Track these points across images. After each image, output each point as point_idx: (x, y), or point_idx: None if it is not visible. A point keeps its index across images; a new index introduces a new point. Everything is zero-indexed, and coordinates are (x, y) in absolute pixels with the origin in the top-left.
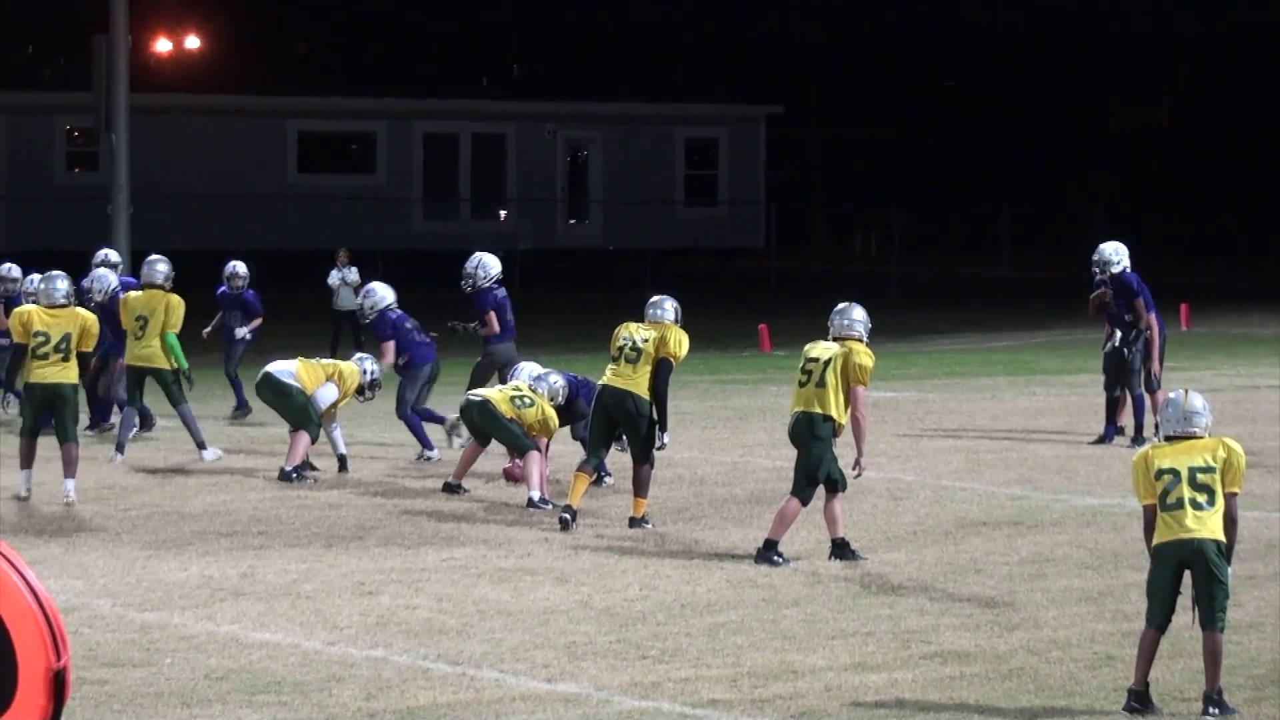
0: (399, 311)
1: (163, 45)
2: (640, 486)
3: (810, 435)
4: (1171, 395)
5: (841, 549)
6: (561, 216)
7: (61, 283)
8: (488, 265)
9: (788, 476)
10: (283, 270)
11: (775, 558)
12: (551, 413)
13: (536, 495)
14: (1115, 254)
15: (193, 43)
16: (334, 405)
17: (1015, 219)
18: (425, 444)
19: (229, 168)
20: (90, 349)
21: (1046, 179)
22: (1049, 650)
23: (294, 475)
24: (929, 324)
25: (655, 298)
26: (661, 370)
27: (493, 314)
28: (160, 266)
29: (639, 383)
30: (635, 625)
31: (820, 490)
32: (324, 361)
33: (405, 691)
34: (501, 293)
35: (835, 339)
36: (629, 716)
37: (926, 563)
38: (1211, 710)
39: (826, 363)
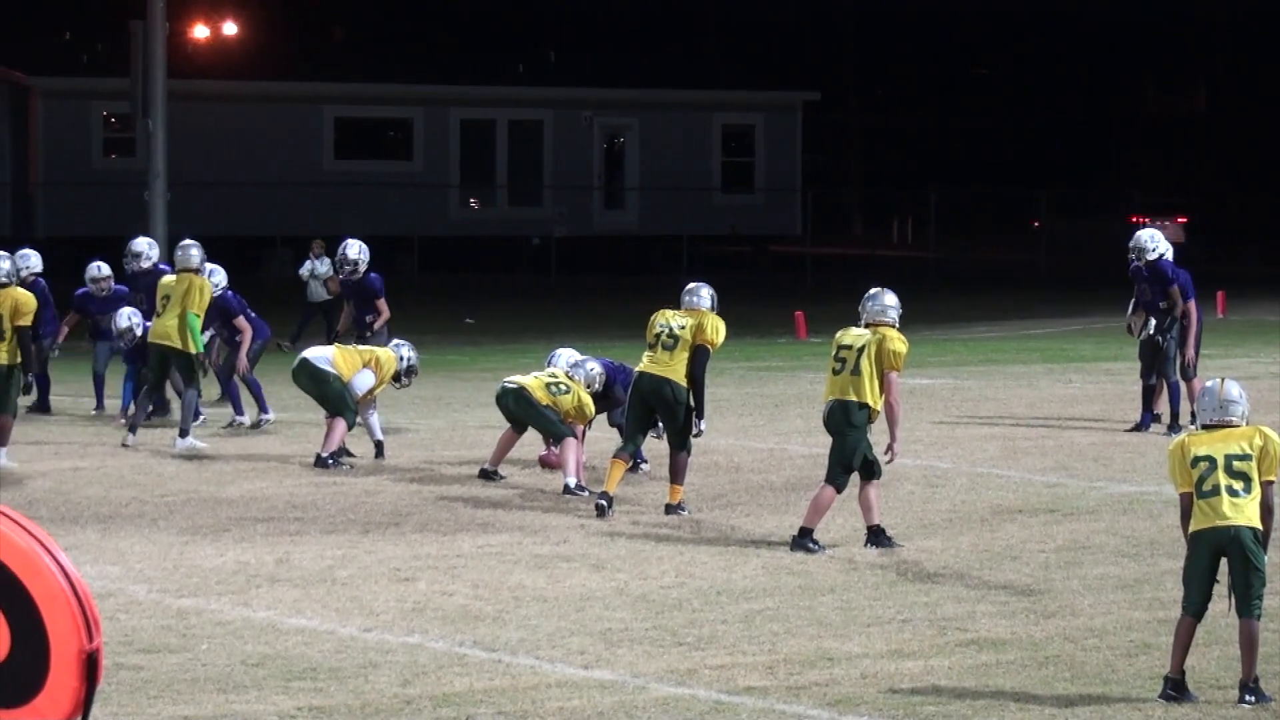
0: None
1: (200, 31)
2: (677, 473)
3: (846, 423)
4: (1208, 384)
5: (877, 536)
6: (598, 203)
7: (3, 263)
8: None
9: (824, 463)
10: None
11: (811, 545)
12: (588, 399)
13: (573, 482)
14: (1151, 241)
15: (230, 29)
16: (370, 391)
17: (1051, 205)
18: (263, 408)
19: (266, 154)
20: (27, 324)
21: (1083, 166)
22: (1085, 638)
23: (330, 461)
24: (965, 310)
25: (692, 285)
26: (698, 357)
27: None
28: (194, 251)
29: (676, 369)
30: (671, 612)
31: (855, 477)
32: (360, 348)
33: (441, 678)
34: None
35: (868, 325)
36: (665, 703)
37: (962, 550)
38: (1248, 698)
39: (860, 349)
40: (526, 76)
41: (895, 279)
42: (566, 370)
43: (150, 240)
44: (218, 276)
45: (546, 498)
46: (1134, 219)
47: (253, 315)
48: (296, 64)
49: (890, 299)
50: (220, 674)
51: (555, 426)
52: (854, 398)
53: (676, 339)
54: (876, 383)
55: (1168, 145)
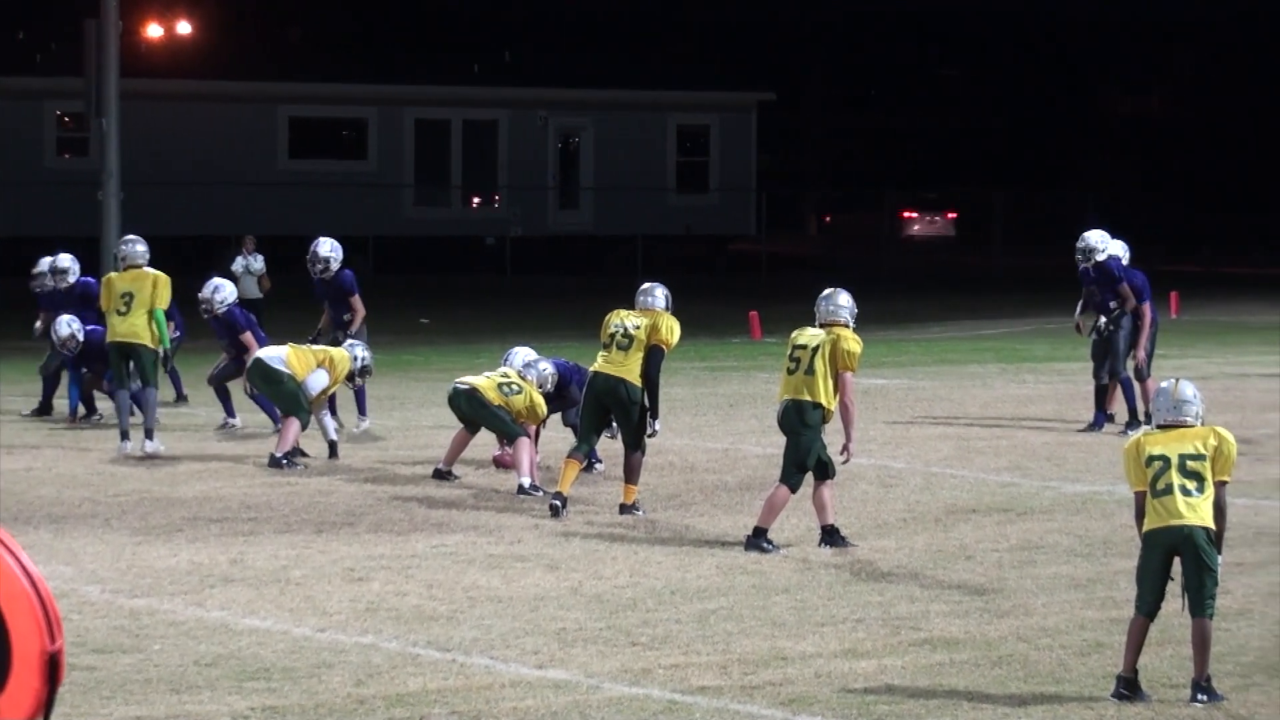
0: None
1: (154, 31)
2: (631, 473)
3: (800, 423)
4: (1163, 384)
5: (831, 535)
6: (553, 203)
7: (139, 245)
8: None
9: (778, 463)
10: (273, 255)
11: (765, 545)
12: (539, 399)
13: (526, 482)
14: (1100, 242)
15: (184, 28)
16: (324, 391)
17: (1008, 206)
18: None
19: (220, 154)
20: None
21: (1040, 166)
22: (1038, 637)
23: (284, 462)
24: (920, 311)
25: (646, 285)
26: (653, 357)
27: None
28: (139, 247)
29: (630, 369)
30: (625, 612)
31: (809, 477)
32: (314, 348)
33: (395, 678)
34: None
35: (822, 325)
36: (618, 703)
37: (916, 550)
38: (1200, 697)
39: (814, 349)
40: (481, 76)
41: (851, 279)
42: (519, 370)
43: (72, 256)
44: (224, 293)
45: (501, 498)
46: (904, 214)
47: (261, 335)
48: (251, 63)
49: (844, 299)
50: (173, 674)
51: (507, 427)
52: (808, 397)
53: (631, 339)
54: (831, 383)
55: (1123, 146)
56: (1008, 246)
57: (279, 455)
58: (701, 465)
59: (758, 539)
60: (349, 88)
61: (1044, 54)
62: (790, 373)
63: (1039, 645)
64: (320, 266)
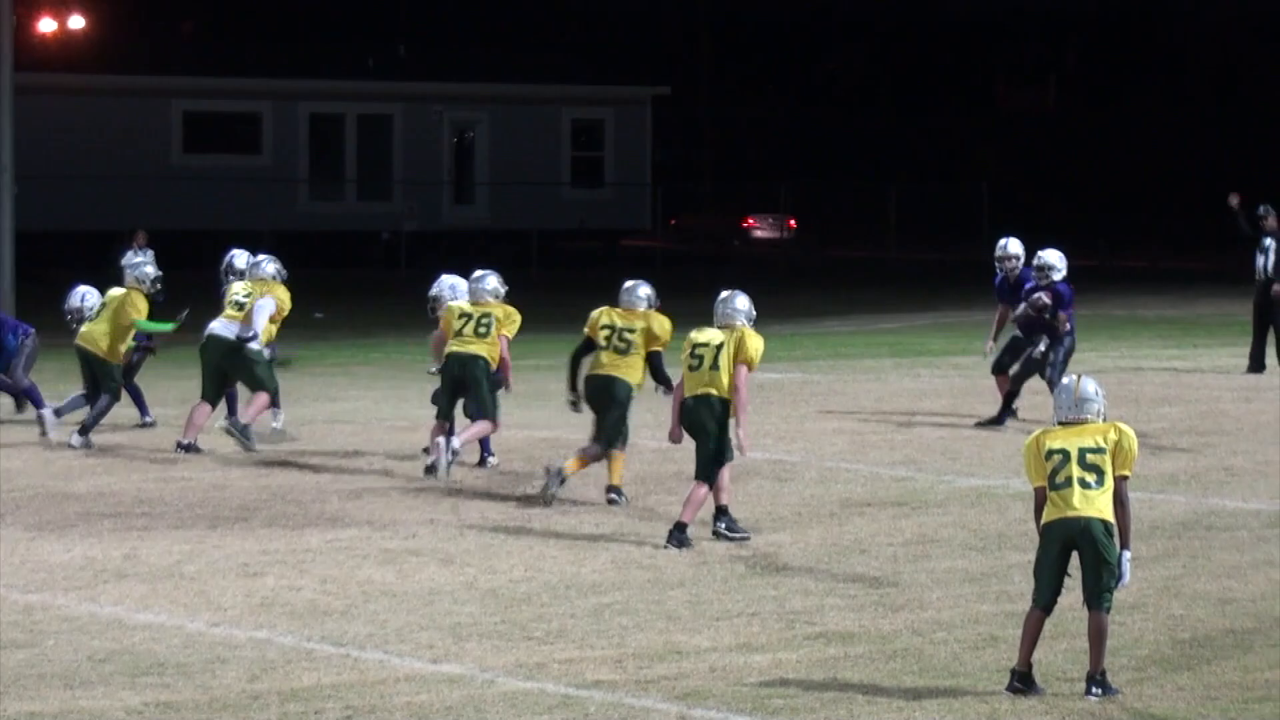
0: None
1: (47, 25)
2: (613, 469)
3: (711, 419)
4: (1065, 381)
5: (724, 515)
6: (448, 198)
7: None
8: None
9: (672, 457)
10: (168, 250)
11: (686, 540)
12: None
13: (458, 443)
14: (1060, 260)
15: (77, 22)
16: (276, 314)
17: (902, 199)
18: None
19: (114, 148)
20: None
21: (933, 160)
22: (933, 631)
23: (246, 432)
24: (815, 305)
25: (629, 283)
26: (654, 362)
27: None
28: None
29: (624, 370)
30: (520, 606)
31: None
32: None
33: (289, 673)
34: None
35: (720, 327)
36: (513, 698)
37: (811, 544)
38: (1095, 690)
39: (718, 347)
40: (376, 70)
41: (746, 272)
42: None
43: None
44: (92, 299)
45: (396, 493)
46: (745, 223)
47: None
48: (144, 57)
49: (741, 303)
50: (66, 670)
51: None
52: (716, 393)
53: (629, 343)
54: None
55: (1016, 140)
56: (902, 239)
57: (242, 421)
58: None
59: (680, 534)
60: (242, 81)
61: (939, 46)
62: (693, 369)
63: (933, 639)
64: (234, 277)
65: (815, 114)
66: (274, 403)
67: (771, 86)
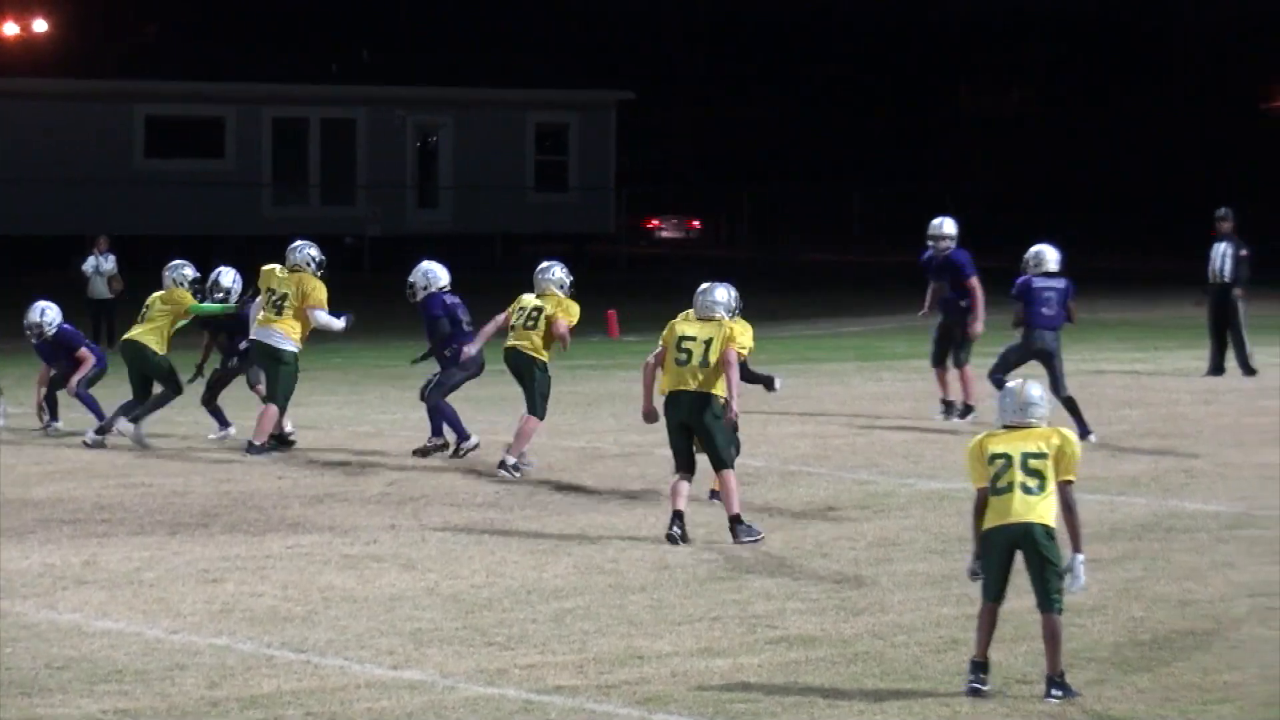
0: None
1: (9, 29)
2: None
3: (711, 416)
4: (1010, 384)
5: (679, 520)
6: (411, 202)
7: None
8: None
9: (637, 461)
10: (131, 255)
11: (753, 529)
12: None
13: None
14: (953, 229)
15: (40, 26)
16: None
17: (866, 203)
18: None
19: (76, 152)
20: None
21: (897, 164)
22: (894, 634)
23: (263, 449)
24: (780, 309)
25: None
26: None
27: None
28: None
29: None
30: (481, 611)
31: (674, 465)
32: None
33: (249, 679)
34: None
35: (701, 320)
36: (474, 703)
37: (773, 547)
38: (1054, 693)
39: (707, 342)
40: (339, 75)
41: (709, 277)
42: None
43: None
44: (51, 314)
45: (357, 498)
46: (648, 223)
47: (93, 346)
48: (107, 62)
49: (720, 295)
50: (25, 677)
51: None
52: (710, 390)
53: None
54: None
55: (979, 144)
56: (865, 242)
57: (257, 443)
58: (559, 464)
59: (738, 525)
60: (206, 86)
61: (903, 50)
62: (681, 364)
63: (895, 642)
64: (220, 295)
65: (780, 118)
66: (276, 417)
67: (734, 92)
